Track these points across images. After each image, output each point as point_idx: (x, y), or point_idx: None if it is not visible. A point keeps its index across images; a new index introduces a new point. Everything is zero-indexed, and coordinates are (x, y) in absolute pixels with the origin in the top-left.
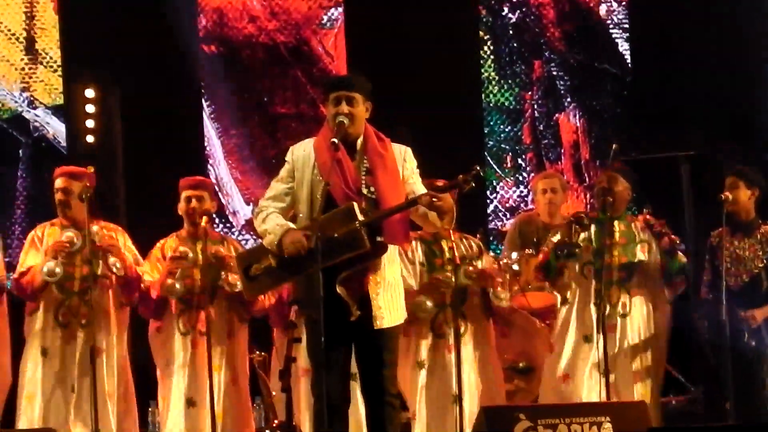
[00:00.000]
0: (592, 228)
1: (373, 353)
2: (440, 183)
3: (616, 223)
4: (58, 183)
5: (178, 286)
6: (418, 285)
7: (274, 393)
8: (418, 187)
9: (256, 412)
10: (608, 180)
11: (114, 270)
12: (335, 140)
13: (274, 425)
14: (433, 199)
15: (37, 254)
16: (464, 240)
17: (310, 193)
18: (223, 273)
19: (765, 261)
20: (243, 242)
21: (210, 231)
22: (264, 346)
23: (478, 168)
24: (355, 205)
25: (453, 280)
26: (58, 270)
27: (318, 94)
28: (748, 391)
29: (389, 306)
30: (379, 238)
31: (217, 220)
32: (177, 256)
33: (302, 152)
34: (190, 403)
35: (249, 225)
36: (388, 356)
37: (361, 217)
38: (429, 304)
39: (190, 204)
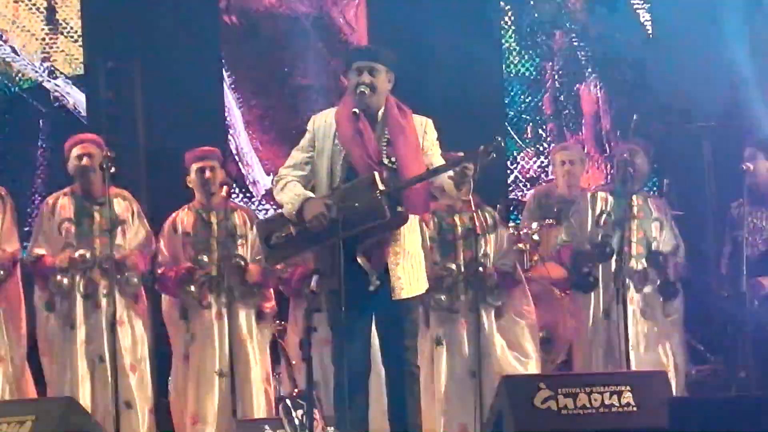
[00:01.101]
0: (610, 201)
1: (393, 323)
2: (461, 154)
3: (634, 197)
4: (80, 150)
5: (194, 290)
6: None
7: (293, 362)
8: (437, 159)
9: (275, 381)
10: (630, 153)
11: (130, 284)
12: (356, 110)
13: (294, 394)
14: (454, 170)
15: (47, 237)
16: (480, 212)
17: (330, 163)
18: (239, 249)
19: None
20: (263, 212)
21: (223, 201)
22: (283, 316)
23: (499, 138)
24: (376, 174)
25: (455, 267)
26: (65, 282)
27: (339, 65)
28: (765, 360)
29: (409, 276)
30: (399, 208)
31: (237, 190)
32: (194, 267)
33: (323, 122)
34: (220, 374)
35: (269, 195)
36: (408, 326)
37: (381, 187)
38: (443, 298)
39: (204, 174)
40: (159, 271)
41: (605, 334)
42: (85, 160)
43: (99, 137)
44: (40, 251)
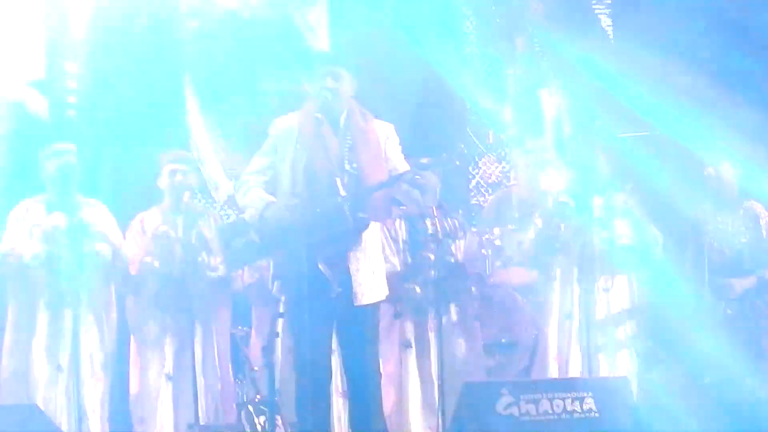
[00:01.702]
0: (572, 204)
1: (355, 329)
2: (424, 160)
3: (596, 197)
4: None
5: (156, 264)
6: (400, 263)
7: (255, 368)
8: (401, 164)
9: (238, 387)
10: (593, 156)
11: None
12: (319, 115)
13: (257, 400)
14: (416, 176)
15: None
16: (447, 219)
17: (292, 168)
18: (204, 253)
19: (747, 236)
20: (225, 217)
21: (193, 205)
22: (245, 321)
23: (462, 146)
24: (338, 180)
25: (432, 257)
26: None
27: (301, 70)
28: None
29: (370, 282)
30: (361, 214)
31: (199, 195)
32: (158, 234)
33: (285, 126)
34: (169, 377)
35: (231, 200)
36: (369, 332)
37: (343, 193)
38: (417, 290)
39: (175, 177)
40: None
41: (569, 336)
42: (62, 167)
43: (72, 145)
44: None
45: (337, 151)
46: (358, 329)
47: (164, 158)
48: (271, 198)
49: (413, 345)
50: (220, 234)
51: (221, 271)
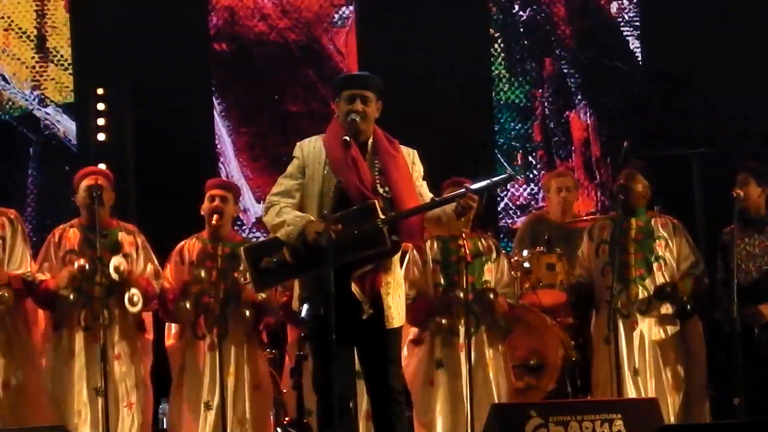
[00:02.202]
0: (608, 229)
1: (380, 351)
2: (467, 184)
3: (633, 220)
4: (89, 181)
5: (188, 306)
6: (431, 283)
7: (284, 390)
8: (425, 190)
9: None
10: (626, 177)
11: (132, 304)
12: (347, 138)
13: (285, 422)
14: (469, 201)
15: (50, 266)
16: (482, 240)
17: (321, 190)
18: (241, 280)
19: None
20: (254, 239)
21: (230, 233)
22: (275, 344)
23: (512, 173)
24: (377, 202)
25: (462, 295)
26: (72, 297)
27: (329, 92)
28: (761, 387)
29: (398, 306)
30: (394, 237)
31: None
32: (190, 281)
33: (312, 148)
34: (208, 407)
35: (259, 223)
36: (392, 353)
37: (382, 216)
38: (444, 322)
39: (213, 203)
40: (162, 297)
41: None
42: (95, 193)
43: (106, 170)
44: (42, 277)
45: (369, 174)
46: (382, 352)
47: (209, 184)
48: (311, 216)
49: (444, 365)
50: (248, 253)
51: (250, 292)
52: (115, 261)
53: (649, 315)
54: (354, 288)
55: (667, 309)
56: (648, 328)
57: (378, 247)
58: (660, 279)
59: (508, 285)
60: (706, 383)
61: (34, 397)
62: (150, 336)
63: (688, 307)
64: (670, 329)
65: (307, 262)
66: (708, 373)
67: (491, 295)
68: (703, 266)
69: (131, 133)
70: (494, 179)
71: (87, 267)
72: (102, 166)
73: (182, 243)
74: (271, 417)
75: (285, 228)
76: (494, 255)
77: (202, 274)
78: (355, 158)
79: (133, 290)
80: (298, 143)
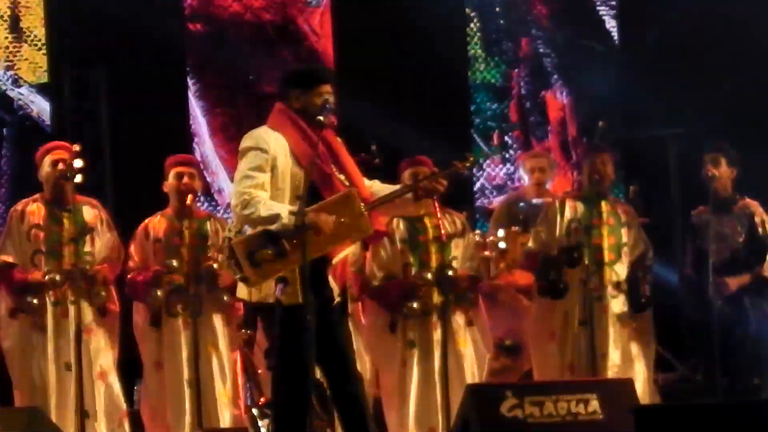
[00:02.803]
0: (579, 208)
1: (347, 336)
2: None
3: (603, 203)
4: (53, 156)
5: (160, 294)
6: (400, 264)
7: (260, 371)
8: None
9: (242, 390)
10: (601, 160)
11: (99, 297)
12: (321, 118)
13: (260, 403)
14: (437, 186)
15: (15, 244)
16: (447, 216)
17: (291, 183)
18: (209, 254)
19: (744, 235)
20: (228, 220)
21: (196, 210)
22: (250, 324)
23: (473, 158)
24: (353, 190)
25: (429, 276)
26: (36, 302)
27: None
28: (737, 367)
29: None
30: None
31: (202, 199)
32: (163, 271)
33: (275, 141)
34: (189, 384)
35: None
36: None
37: (361, 203)
38: (415, 306)
39: (182, 180)
40: (128, 276)
41: (581, 341)
42: (59, 167)
43: (71, 145)
44: (8, 259)
45: (331, 164)
46: (349, 336)
47: (170, 162)
48: (293, 208)
49: (417, 346)
50: (240, 248)
51: (227, 276)
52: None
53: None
54: (331, 274)
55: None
56: (618, 311)
57: (363, 234)
58: (625, 265)
59: (470, 259)
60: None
61: None
62: (116, 307)
63: (643, 300)
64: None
65: (298, 251)
66: (683, 355)
67: (449, 272)
68: (652, 252)
69: (105, 114)
70: (457, 164)
71: (57, 278)
72: (76, 147)
73: (146, 220)
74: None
75: (281, 220)
76: (461, 230)
77: (174, 263)
78: (323, 150)
79: (98, 288)
80: (254, 136)
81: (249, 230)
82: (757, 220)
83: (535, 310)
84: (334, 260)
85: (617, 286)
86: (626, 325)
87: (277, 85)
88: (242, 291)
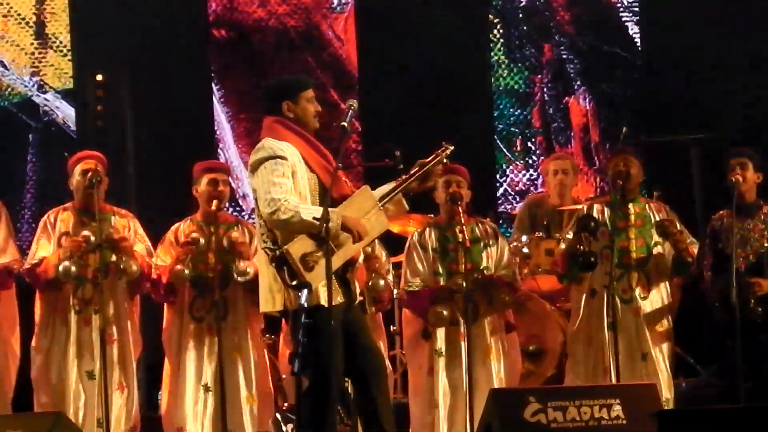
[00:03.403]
0: (606, 212)
1: (370, 336)
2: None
3: (630, 205)
4: (84, 166)
5: (186, 272)
6: (429, 271)
7: (284, 376)
8: None
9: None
10: (623, 162)
11: (128, 270)
12: (344, 124)
13: (284, 408)
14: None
15: (49, 243)
16: (479, 224)
17: (308, 187)
18: (236, 260)
19: None
20: (255, 225)
21: (224, 214)
22: (272, 329)
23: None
24: (368, 187)
25: (464, 284)
26: (73, 269)
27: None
28: (761, 372)
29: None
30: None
31: (227, 204)
32: (188, 241)
33: (287, 148)
34: (207, 389)
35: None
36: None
37: (377, 201)
38: (445, 313)
39: (216, 187)
40: (153, 277)
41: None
42: (89, 176)
43: (101, 155)
44: (42, 253)
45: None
46: (372, 336)
47: (201, 167)
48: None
49: (444, 353)
50: (289, 255)
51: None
52: (109, 230)
53: (650, 299)
54: (350, 275)
55: (665, 292)
56: (647, 313)
57: (383, 228)
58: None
59: (506, 266)
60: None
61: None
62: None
63: (690, 259)
64: (668, 315)
65: (337, 252)
66: (707, 360)
67: (491, 282)
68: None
69: (130, 119)
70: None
71: (91, 238)
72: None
73: (176, 225)
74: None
75: (330, 223)
76: (492, 239)
77: (201, 240)
78: (325, 153)
79: (127, 260)
80: (266, 146)
81: (279, 236)
82: None
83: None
84: (360, 260)
85: (644, 284)
86: (656, 325)
87: (263, 102)
88: (267, 304)
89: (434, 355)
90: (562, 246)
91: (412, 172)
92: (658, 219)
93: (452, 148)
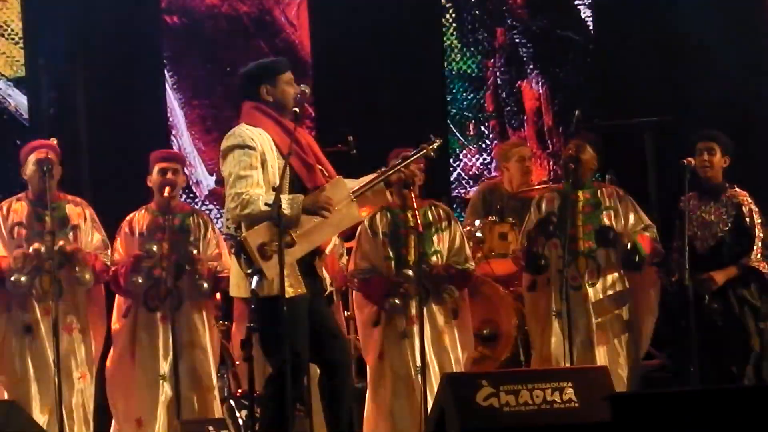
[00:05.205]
0: (557, 200)
1: (334, 324)
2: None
3: (579, 192)
4: (38, 155)
5: (141, 280)
6: (379, 255)
7: (237, 362)
8: None
9: (220, 381)
10: (576, 148)
11: (82, 280)
12: (297, 109)
13: (238, 394)
14: (413, 169)
15: (1, 239)
16: (433, 208)
17: (279, 176)
18: (189, 247)
19: (730, 224)
20: (207, 212)
21: (180, 203)
22: (226, 316)
23: (440, 140)
24: (341, 177)
25: (411, 273)
26: (23, 279)
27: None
28: (713, 355)
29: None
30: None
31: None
32: (143, 255)
33: (258, 136)
34: (162, 378)
35: (212, 195)
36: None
37: (350, 191)
38: (398, 302)
39: (166, 176)
40: (112, 269)
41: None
42: (42, 165)
43: (54, 144)
44: None
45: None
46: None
47: (155, 157)
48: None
49: (397, 338)
50: (247, 244)
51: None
52: (60, 241)
53: (599, 285)
54: (318, 264)
55: (614, 278)
56: (598, 299)
57: (354, 220)
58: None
59: (458, 252)
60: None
61: None
62: (103, 313)
63: (637, 257)
64: (619, 298)
65: (305, 241)
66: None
67: (426, 265)
68: (655, 231)
69: (83, 107)
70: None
71: (42, 249)
72: (53, 140)
73: (131, 215)
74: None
75: (284, 210)
76: (445, 223)
77: (154, 248)
78: (300, 140)
79: (80, 268)
80: (237, 134)
81: (244, 224)
82: (744, 210)
83: (527, 301)
84: (327, 250)
85: (593, 270)
86: (605, 312)
87: (241, 87)
88: (235, 289)
89: (386, 340)
90: (524, 243)
91: (394, 164)
92: (609, 204)
93: (439, 142)
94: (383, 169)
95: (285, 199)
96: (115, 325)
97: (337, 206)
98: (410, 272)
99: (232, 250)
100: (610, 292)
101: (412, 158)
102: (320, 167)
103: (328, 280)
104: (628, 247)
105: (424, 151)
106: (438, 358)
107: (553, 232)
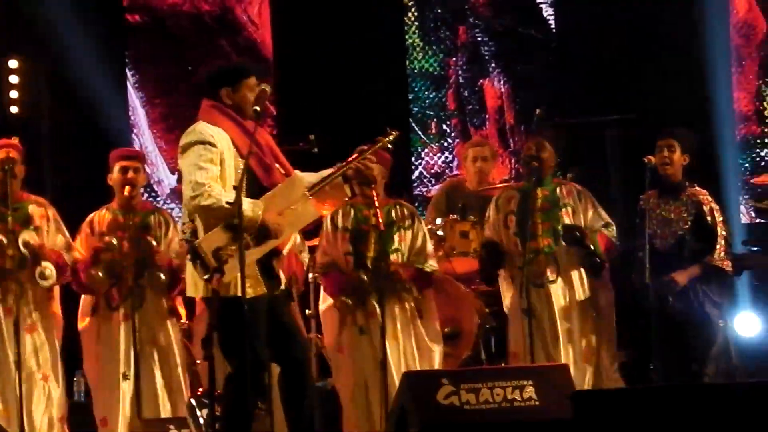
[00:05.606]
0: (516, 199)
1: (294, 323)
2: (365, 147)
3: (538, 190)
4: (1, 154)
5: (101, 275)
6: (340, 251)
7: (198, 361)
8: None
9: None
10: (535, 146)
11: (44, 278)
12: (257, 108)
13: (199, 393)
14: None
15: None
16: (398, 207)
17: (235, 174)
18: (153, 243)
19: (690, 223)
20: (169, 210)
21: (141, 202)
22: (187, 315)
23: (396, 132)
24: (297, 174)
25: (366, 278)
26: None
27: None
28: (675, 353)
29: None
30: None
31: (141, 190)
32: (103, 248)
33: (218, 135)
34: (125, 377)
35: (174, 194)
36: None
37: (306, 190)
38: (350, 302)
39: (126, 174)
40: (70, 272)
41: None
42: (6, 166)
43: (18, 143)
44: None
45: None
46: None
47: (115, 155)
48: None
49: (366, 332)
50: (204, 247)
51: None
52: (25, 236)
53: (561, 283)
54: (276, 263)
55: (578, 275)
56: (560, 297)
57: (313, 217)
58: None
59: (420, 251)
60: (614, 348)
61: None
62: (58, 311)
63: (598, 259)
64: (582, 296)
65: (259, 242)
66: (625, 340)
67: (383, 264)
68: (614, 230)
69: (45, 106)
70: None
71: (4, 241)
72: (15, 139)
73: (92, 214)
74: (185, 388)
75: (245, 212)
76: (409, 222)
77: (114, 241)
78: (259, 141)
79: (44, 264)
80: (196, 131)
81: (200, 226)
82: (705, 208)
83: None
84: (285, 250)
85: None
86: (572, 313)
87: (204, 84)
88: (192, 289)
89: (345, 335)
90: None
91: (352, 158)
92: (567, 201)
93: (396, 134)
94: (340, 164)
95: (247, 201)
96: (80, 325)
97: (293, 205)
98: (364, 272)
99: (188, 255)
100: (573, 291)
101: (369, 152)
102: (278, 166)
103: (283, 280)
104: (588, 250)
105: (380, 143)
106: (399, 355)
107: (582, 238)
